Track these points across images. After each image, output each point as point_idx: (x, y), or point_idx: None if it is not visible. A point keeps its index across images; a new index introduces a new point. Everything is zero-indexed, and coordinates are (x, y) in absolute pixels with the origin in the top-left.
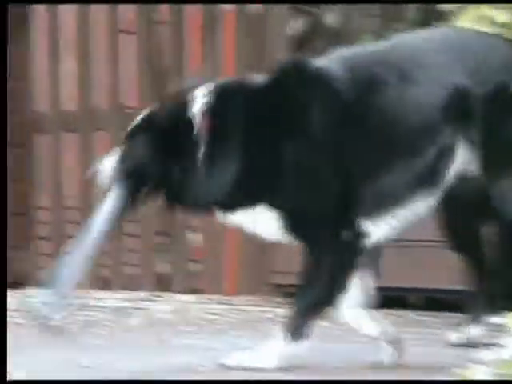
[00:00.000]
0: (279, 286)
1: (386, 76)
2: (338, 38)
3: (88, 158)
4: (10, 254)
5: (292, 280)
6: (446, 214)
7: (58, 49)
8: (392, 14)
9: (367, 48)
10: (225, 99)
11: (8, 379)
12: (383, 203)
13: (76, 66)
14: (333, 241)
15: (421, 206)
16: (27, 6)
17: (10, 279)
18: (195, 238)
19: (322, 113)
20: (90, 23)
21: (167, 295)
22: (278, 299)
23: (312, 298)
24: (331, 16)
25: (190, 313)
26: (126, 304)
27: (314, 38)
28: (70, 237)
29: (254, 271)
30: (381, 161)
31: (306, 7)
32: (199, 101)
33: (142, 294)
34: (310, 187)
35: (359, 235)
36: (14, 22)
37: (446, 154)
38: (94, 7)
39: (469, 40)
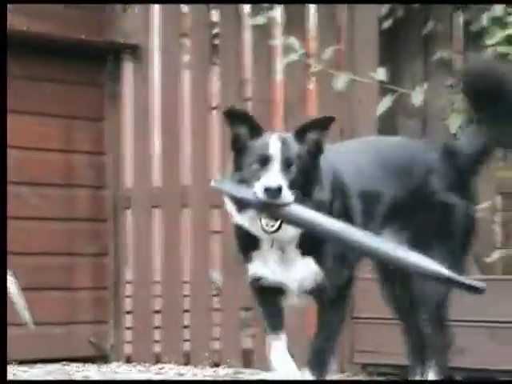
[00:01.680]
0: (365, 365)
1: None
2: (424, 116)
3: (175, 234)
4: (95, 328)
5: (379, 359)
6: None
7: (148, 126)
8: None
9: None
10: None
11: (8, 379)
12: None
13: (164, 142)
14: None
15: None
16: (119, 84)
17: (95, 353)
18: None
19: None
20: (178, 100)
21: (250, 372)
22: (364, 378)
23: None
24: (417, 94)
25: None
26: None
27: (400, 117)
28: (156, 311)
29: (338, 350)
30: None
31: (392, 86)
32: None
33: (225, 371)
34: None
35: None
36: (106, 99)
37: None
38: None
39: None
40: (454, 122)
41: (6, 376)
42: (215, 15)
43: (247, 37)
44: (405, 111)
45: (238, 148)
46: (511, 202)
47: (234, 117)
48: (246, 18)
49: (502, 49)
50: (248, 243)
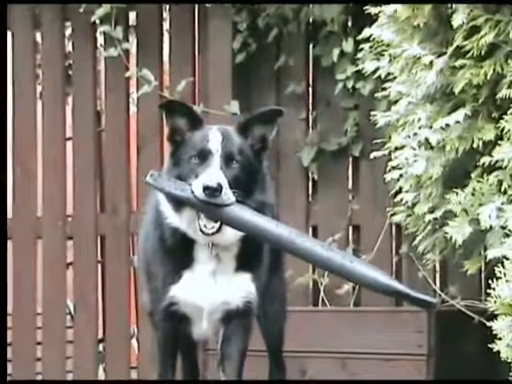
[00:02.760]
0: None
1: None
2: (277, 149)
3: (27, 265)
4: None
5: None
6: None
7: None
8: None
9: None
10: None
11: (8, 379)
12: None
13: (16, 173)
14: None
15: None
16: None
17: None
18: None
19: None
20: (31, 130)
21: None
22: None
23: None
24: None
25: None
26: None
27: None
28: (8, 344)
29: None
30: None
31: None
32: None
33: None
34: None
35: None
36: None
37: None
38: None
39: None
40: (307, 155)
41: (6, 376)
42: (69, 46)
43: (101, 68)
44: None
45: (177, 141)
46: (360, 234)
47: (172, 108)
48: (100, 50)
49: (351, 83)
50: (181, 254)
